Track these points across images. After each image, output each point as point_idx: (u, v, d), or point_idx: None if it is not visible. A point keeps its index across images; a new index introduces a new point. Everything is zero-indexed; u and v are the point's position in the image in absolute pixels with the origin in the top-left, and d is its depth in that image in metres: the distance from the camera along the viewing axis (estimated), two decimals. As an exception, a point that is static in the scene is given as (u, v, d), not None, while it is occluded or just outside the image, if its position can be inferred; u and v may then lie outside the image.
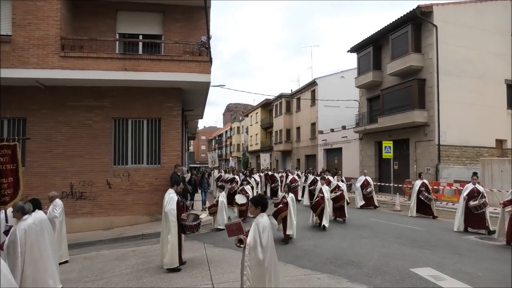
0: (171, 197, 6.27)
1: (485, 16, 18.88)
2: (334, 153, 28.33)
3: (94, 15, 11.14)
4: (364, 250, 7.28)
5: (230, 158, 49.81)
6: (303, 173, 19.46)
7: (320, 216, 9.62)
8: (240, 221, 4.02)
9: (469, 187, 9.55)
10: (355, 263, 6.35)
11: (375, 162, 22.00)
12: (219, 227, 9.72)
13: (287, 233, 8.02)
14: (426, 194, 11.96)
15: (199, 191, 16.34)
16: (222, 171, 21.49)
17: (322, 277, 5.63)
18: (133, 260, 7.03)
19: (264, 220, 3.88)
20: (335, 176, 12.70)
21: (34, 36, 9.56)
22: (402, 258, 6.58)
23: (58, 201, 7.20)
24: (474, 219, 9.23)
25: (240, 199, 10.45)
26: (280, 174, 19.88)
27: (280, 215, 8.00)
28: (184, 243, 8.22)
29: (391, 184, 16.79)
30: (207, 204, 12.88)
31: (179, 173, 10.84)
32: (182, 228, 6.25)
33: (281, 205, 8.17)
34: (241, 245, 3.82)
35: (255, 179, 15.74)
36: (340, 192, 10.95)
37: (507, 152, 18.63)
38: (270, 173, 19.76)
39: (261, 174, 19.37)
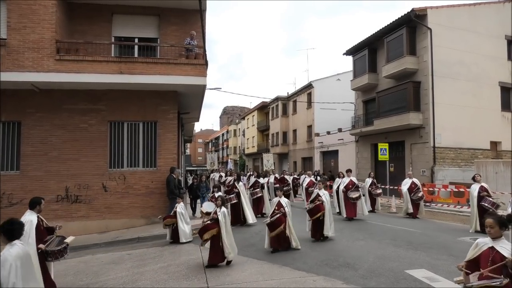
0: (27, 221, 5.00)
1: (479, 19, 19.07)
2: (330, 156, 28.41)
3: (90, 18, 11.15)
4: (359, 252, 7.30)
5: (228, 160, 49.65)
6: (315, 177, 18.67)
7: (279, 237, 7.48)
8: None
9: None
10: (351, 265, 6.36)
11: (371, 164, 22.08)
12: (182, 241, 8.60)
13: (225, 256, 6.47)
14: (490, 199, 9.26)
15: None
16: (223, 173, 20.36)
17: (317, 279, 5.64)
18: (128, 263, 7.02)
19: (9, 252, 3.10)
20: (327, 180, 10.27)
21: (29, 40, 9.55)
22: (397, 260, 6.61)
23: None
24: None
25: (207, 207, 8.95)
26: (292, 177, 18.18)
27: (206, 234, 6.53)
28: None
29: (387, 186, 16.84)
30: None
31: (174, 176, 10.83)
32: (43, 255, 5.07)
33: (208, 222, 6.76)
34: None
35: (260, 183, 12.97)
36: (319, 202, 8.38)
37: (502, 154, 18.79)
38: (276, 175, 17.81)
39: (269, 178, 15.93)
